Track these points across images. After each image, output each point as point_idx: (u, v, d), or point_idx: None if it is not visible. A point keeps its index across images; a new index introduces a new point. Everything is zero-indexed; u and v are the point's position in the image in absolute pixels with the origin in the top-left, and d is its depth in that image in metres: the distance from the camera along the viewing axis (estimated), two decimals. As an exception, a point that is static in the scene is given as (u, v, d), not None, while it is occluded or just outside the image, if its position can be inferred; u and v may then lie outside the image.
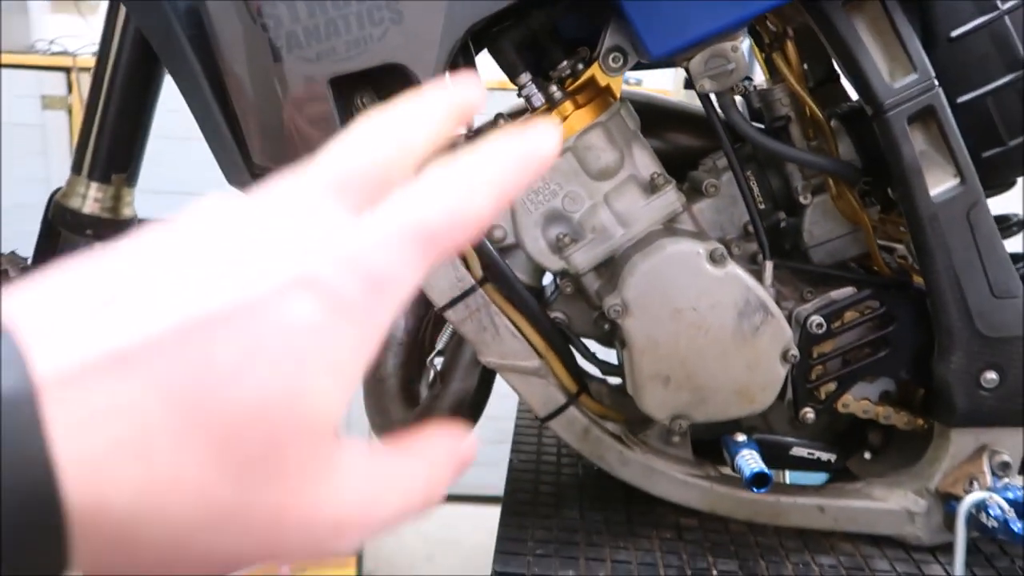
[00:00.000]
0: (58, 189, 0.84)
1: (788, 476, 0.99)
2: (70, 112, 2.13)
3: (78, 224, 0.81)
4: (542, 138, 0.23)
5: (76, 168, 0.82)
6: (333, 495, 0.21)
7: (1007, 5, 0.62)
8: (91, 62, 2.37)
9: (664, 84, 2.17)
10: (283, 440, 0.19)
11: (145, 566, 0.19)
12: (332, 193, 0.22)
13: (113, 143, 0.81)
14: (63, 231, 0.82)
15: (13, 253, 0.81)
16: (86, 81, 2.11)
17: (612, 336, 0.73)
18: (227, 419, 0.18)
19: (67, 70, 2.13)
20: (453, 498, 2.36)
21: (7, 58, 2.05)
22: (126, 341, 0.18)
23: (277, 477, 0.20)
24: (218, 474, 0.19)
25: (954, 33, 0.62)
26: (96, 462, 0.17)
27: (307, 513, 0.20)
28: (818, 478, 0.80)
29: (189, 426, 0.18)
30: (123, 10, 0.78)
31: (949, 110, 0.62)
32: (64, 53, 2.27)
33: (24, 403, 0.17)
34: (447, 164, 0.22)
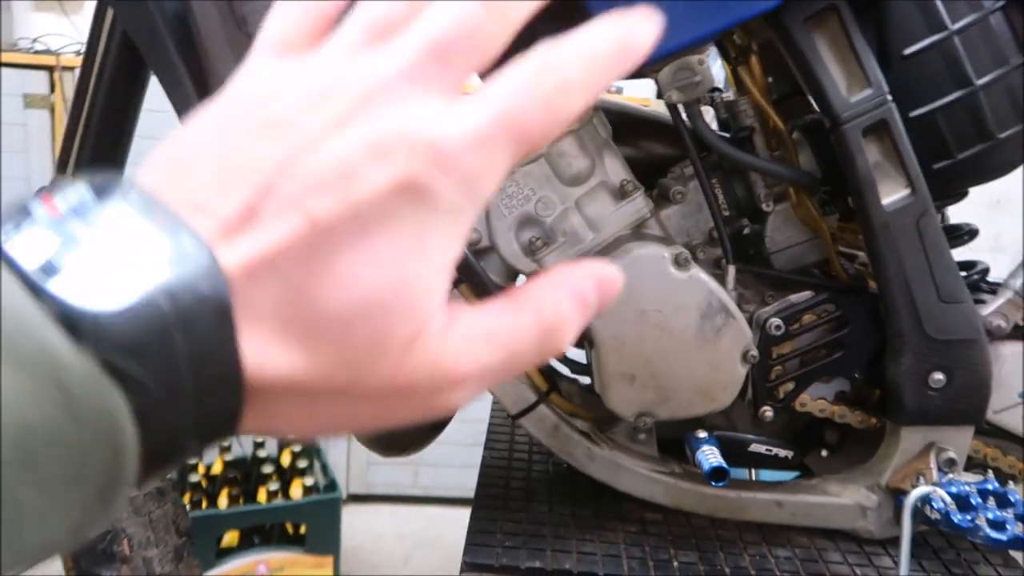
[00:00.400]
0: (42, 188, 0.85)
1: (758, 475, 1.02)
2: (52, 111, 2.13)
3: (62, 221, 0.83)
4: (640, 29, 0.23)
5: (61, 167, 0.84)
6: (430, 361, 0.23)
7: (956, 25, 0.65)
8: (74, 61, 2.36)
9: (645, 93, 2.21)
10: (388, 330, 0.22)
11: (281, 428, 0.23)
12: (432, 62, 0.22)
13: (98, 142, 0.83)
14: (47, 228, 0.84)
15: None
16: (69, 80, 2.12)
17: (581, 337, 0.75)
18: (344, 316, 0.21)
19: (50, 69, 2.13)
20: (429, 500, 2.38)
21: (-11, 55, 2.05)
22: (272, 245, 0.21)
23: (384, 358, 0.22)
24: (338, 359, 0.22)
25: (907, 51, 0.66)
26: (257, 355, 0.21)
27: (408, 383, 0.23)
28: (788, 477, 0.83)
29: (316, 322, 0.21)
30: (110, 11, 0.79)
31: (901, 124, 0.66)
32: (47, 52, 2.27)
33: (222, 307, 0.20)
34: (544, 53, 0.22)
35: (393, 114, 0.22)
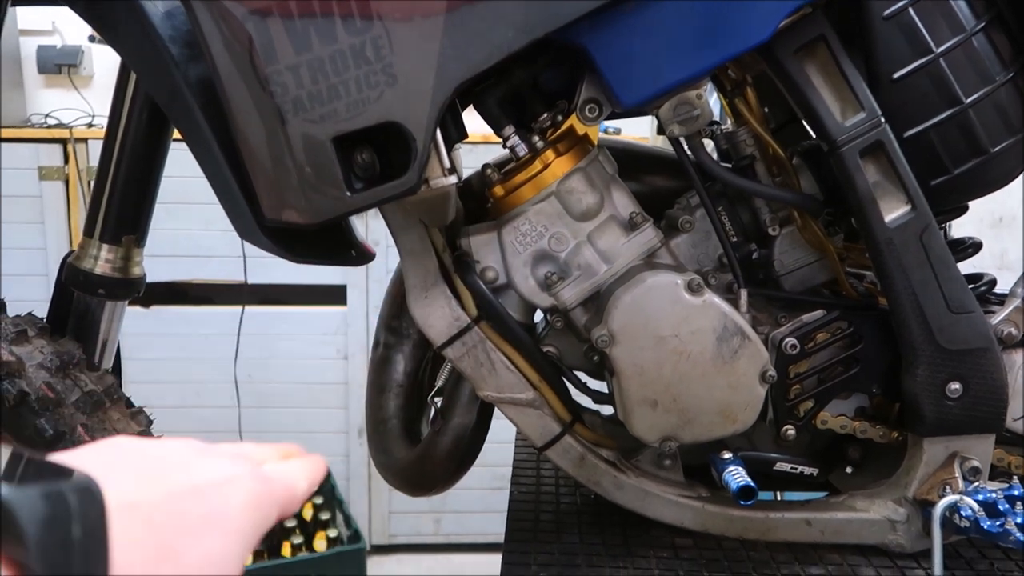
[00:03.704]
0: (71, 252, 0.88)
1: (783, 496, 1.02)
2: (67, 182, 2.19)
3: (90, 284, 0.86)
4: (319, 472, 0.40)
5: (88, 231, 0.87)
6: None
7: (941, 48, 0.68)
8: (86, 133, 2.41)
9: (642, 131, 2.26)
10: None
11: None
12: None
13: (123, 205, 0.86)
14: (76, 292, 0.86)
15: (31, 314, 0.85)
16: (82, 151, 2.18)
17: (601, 367, 0.77)
18: (187, 563, 0.29)
19: (63, 142, 2.19)
20: (453, 547, 2.36)
21: (4, 132, 2.11)
22: (142, 497, 0.29)
23: None
24: None
25: (896, 75, 0.69)
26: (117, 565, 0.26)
27: None
28: (812, 497, 0.83)
29: (164, 560, 0.28)
30: (132, 80, 0.83)
31: (896, 144, 0.68)
32: (59, 125, 2.34)
33: (102, 509, 0.26)
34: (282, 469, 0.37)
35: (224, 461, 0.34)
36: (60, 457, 0.27)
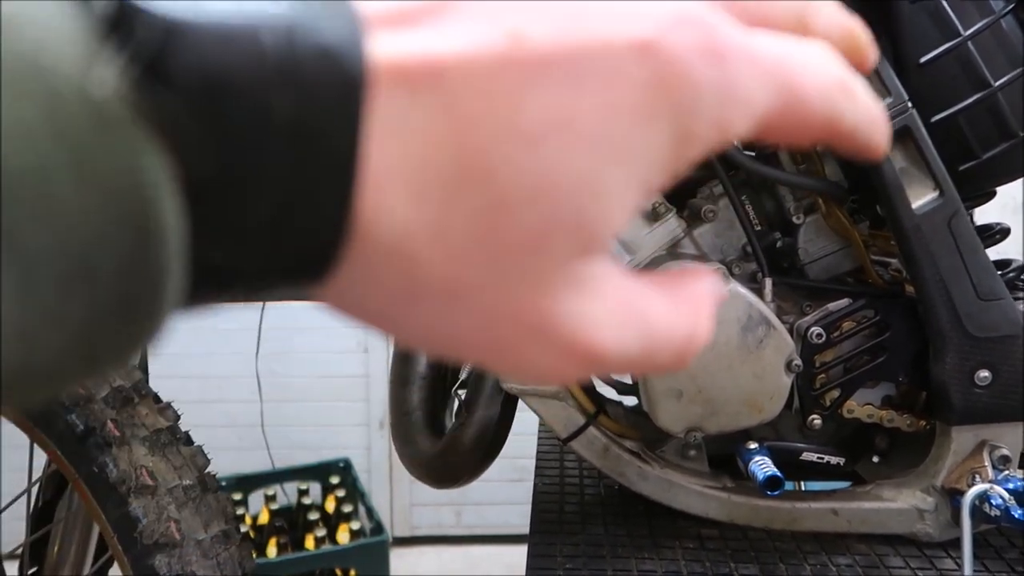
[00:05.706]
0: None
1: (805, 486, 1.02)
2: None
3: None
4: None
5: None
6: (579, 314, 0.17)
7: (969, 31, 0.67)
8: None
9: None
10: (554, 235, 0.16)
11: (378, 313, 0.17)
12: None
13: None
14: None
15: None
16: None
17: (625, 357, 0.77)
18: (508, 189, 0.15)
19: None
20: (473, 539, 2.37)
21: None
22: (449, 51, 0.15)
23: (531, 271, 0.16)
24: (478, 244, 0.16)
25: (923, 59, 0.68)
26: (384, 179, 0.15)
27: (545, 322, 0.17)
28: (838, 486, 0.83)
29: (467, 175, 0.15)
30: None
31: (924, 129, 0.67)
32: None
33: (351, 82, 0.14)
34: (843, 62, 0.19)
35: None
36: None
